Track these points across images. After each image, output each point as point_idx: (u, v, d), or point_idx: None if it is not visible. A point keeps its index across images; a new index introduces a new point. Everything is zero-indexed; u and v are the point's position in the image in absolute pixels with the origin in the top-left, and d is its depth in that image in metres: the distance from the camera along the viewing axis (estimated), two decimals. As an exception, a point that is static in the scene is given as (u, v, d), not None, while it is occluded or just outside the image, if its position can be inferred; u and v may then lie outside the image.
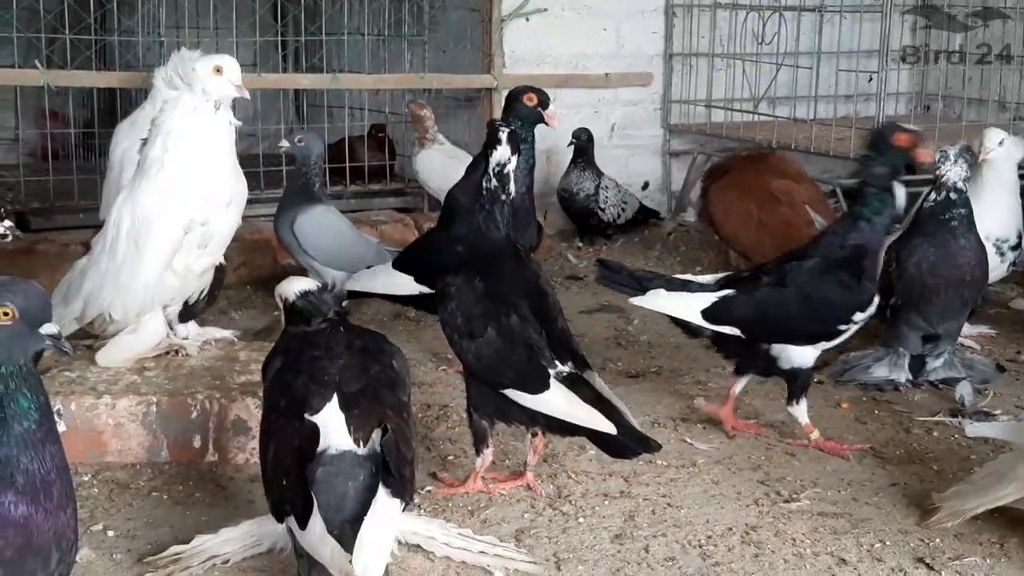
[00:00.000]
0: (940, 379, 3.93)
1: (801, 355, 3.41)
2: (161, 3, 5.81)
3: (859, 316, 3.36)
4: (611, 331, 4.63)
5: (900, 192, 3.32)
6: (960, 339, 4.17)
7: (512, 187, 3.09)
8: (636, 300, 3.49)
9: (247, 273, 5.06)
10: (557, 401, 2.96)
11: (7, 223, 3.21)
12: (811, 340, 3.40)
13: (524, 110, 4.10)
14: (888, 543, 2.87)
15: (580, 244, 5.93)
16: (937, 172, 3.92)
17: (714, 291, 3.46)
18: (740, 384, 3.56)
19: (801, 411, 3.45)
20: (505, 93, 5.87)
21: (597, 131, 6.04)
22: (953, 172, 3.86)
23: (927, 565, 2.77)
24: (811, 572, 2.75)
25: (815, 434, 3.43)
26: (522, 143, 3.97)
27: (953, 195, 3.87)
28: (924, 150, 3.40)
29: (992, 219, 4.05)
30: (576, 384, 2.99)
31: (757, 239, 4.97)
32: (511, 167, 3.08)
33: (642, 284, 3.50)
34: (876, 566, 2.77)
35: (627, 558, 2.80)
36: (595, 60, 6.15)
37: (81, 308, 3.54)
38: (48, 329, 1.96)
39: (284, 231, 4.40)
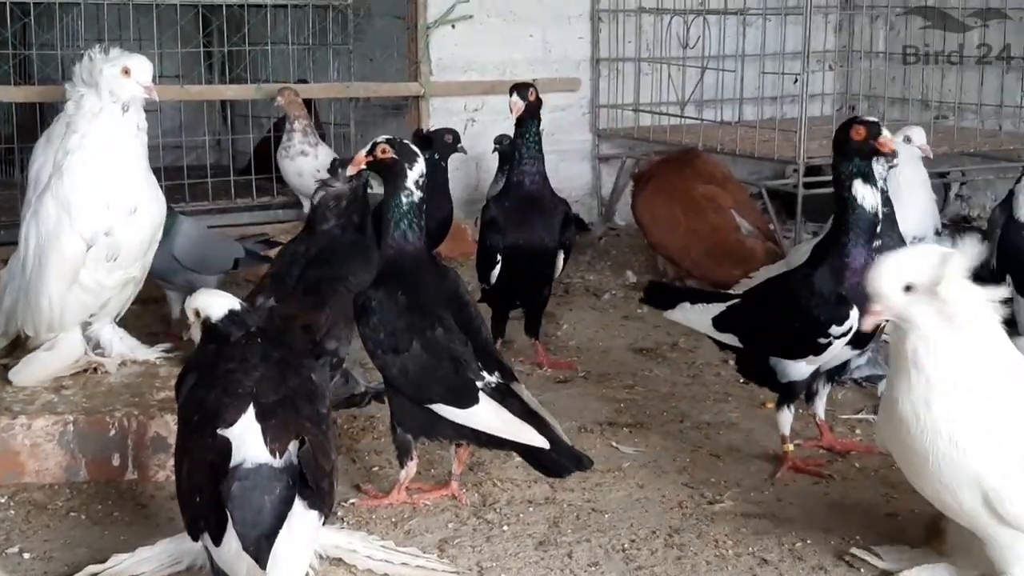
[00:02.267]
0: (863, 376, 3.96)
1: (796, 369, 3.26)
2: (81, 15, 5.72)
3: (836, 330, 3.14)
4: (540, 337, 4.62)
5: (862, 191, 3.13)
6: (884, 337, 4.21)
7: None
8: (667, 314, 3.52)
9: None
10: (487, 416, 2.93)
11: None
12: (795, 354, 3.24)
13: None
14: (810, 542, 2.89)
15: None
16: None
17: (731, 300, 3.41)
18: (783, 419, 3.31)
19: (783, 420, 3.31)
20: (432, 101, 5.95)
21: (526, 137, 6.05)
22: (875, 171, 3.88)
23: (847, 563, 2.79)
24: (733, 573, 2.76)
25: (789, 447, 3.32)
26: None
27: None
28: (885, 139, 3.14)
29: (909, 217, 4.09)
30: (505, 397, 2.97)
31: (684, 244, 5.01)
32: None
33: (673, 300, 3.51)
34: (797, 565, 2.79)
35: (550, 565, 2.80)
36: (522, 66, 6.15)
37: (3, 324, 3.49)
38: None
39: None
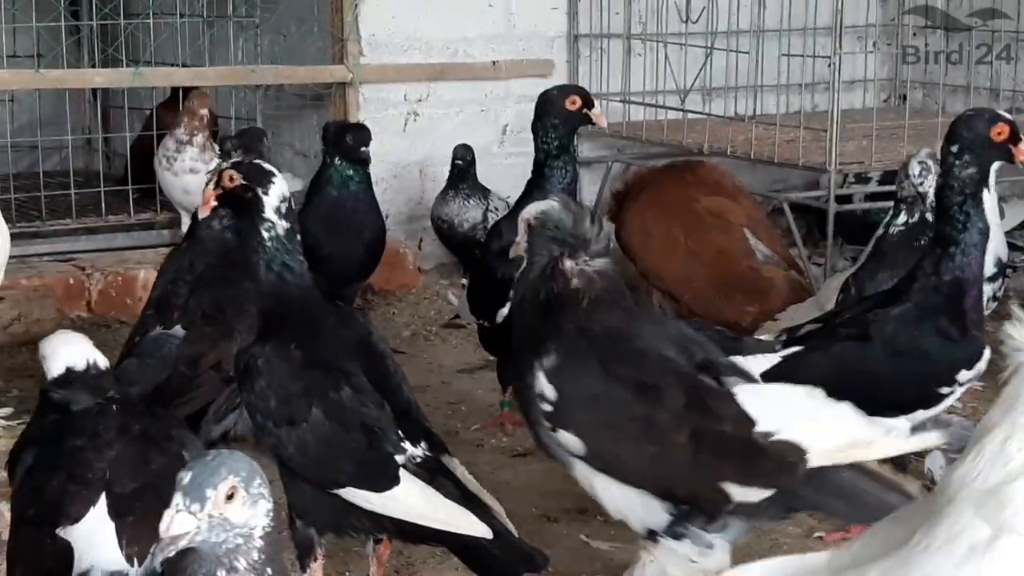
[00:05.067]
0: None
1: None
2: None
3: (965, 375, 3.32)
4: (497, 395, 4.61)
5: (989, 200, 3.32)
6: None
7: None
8: None
9: (22, 330, 5.02)
10: (412, 499, 2.92)
11: None
12: (904, 408, 3.27)
13: (566, 115, 4.20)
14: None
15: (464, 281, 5.93)
16: (912, 185, 4.05)
17: (774, 350, 3.41)
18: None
19: None
20: (363, 88, 5.97)
21: (485, 135, 6.08)
22: (931, 186, 3.90)
23: None
24: None
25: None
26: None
27: (930, 216, 3.90)
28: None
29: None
30: (435, 475, 2.97)
31: (684, 273, 5.02)
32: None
33: None
34: None
35: None
36: (479, 44, 6.19)
37: None
38: None
39: None
